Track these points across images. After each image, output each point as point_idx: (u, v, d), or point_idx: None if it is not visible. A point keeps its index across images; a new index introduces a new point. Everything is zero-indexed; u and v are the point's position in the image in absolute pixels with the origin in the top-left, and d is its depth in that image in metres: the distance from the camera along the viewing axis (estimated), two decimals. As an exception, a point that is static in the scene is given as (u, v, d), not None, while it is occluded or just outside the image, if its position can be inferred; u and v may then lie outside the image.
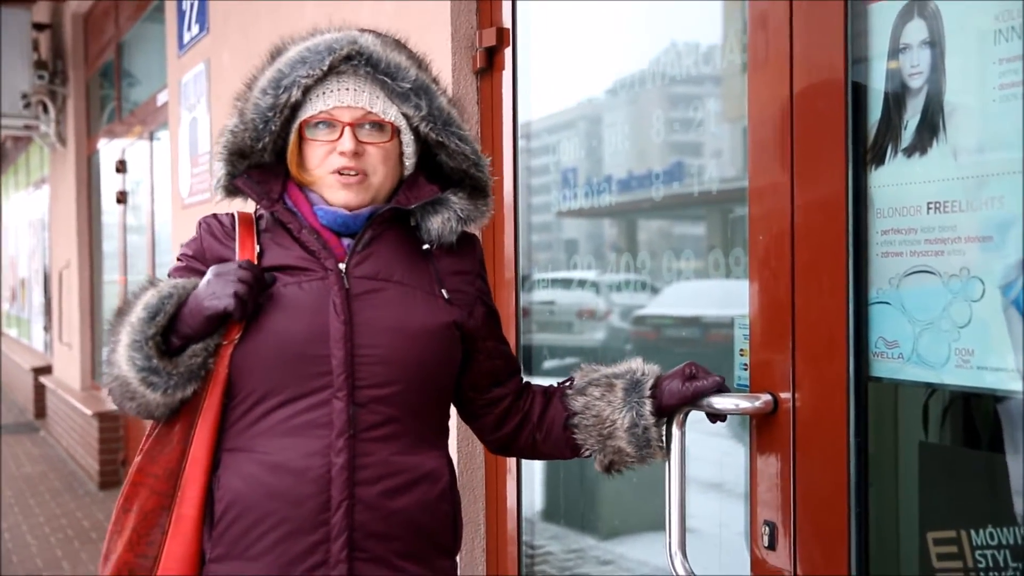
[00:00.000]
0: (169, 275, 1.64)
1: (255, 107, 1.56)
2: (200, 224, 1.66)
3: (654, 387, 1.61)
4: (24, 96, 7.97)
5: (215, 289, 1.48)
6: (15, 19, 7.90)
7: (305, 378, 1.51)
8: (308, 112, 1.56)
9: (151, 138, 6.38)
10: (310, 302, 1.53)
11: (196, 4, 4.72)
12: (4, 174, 14.52)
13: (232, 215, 1.65)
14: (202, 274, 1.57)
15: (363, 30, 1.63)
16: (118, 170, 7.21)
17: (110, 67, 7.47)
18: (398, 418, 1.54)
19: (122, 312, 1.53)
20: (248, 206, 1.68)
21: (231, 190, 1.61)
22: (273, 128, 1.56)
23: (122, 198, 7.18)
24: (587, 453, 1.65)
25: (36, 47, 8.28)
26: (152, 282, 1.56)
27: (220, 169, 1.60)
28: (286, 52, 1.59)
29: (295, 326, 1.51)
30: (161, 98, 5.78)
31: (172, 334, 1.51)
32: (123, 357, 1.48)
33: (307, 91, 1.55)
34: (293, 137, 1.59)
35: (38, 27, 8.44)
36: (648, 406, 1.59)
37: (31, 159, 11.67)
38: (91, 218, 8.13)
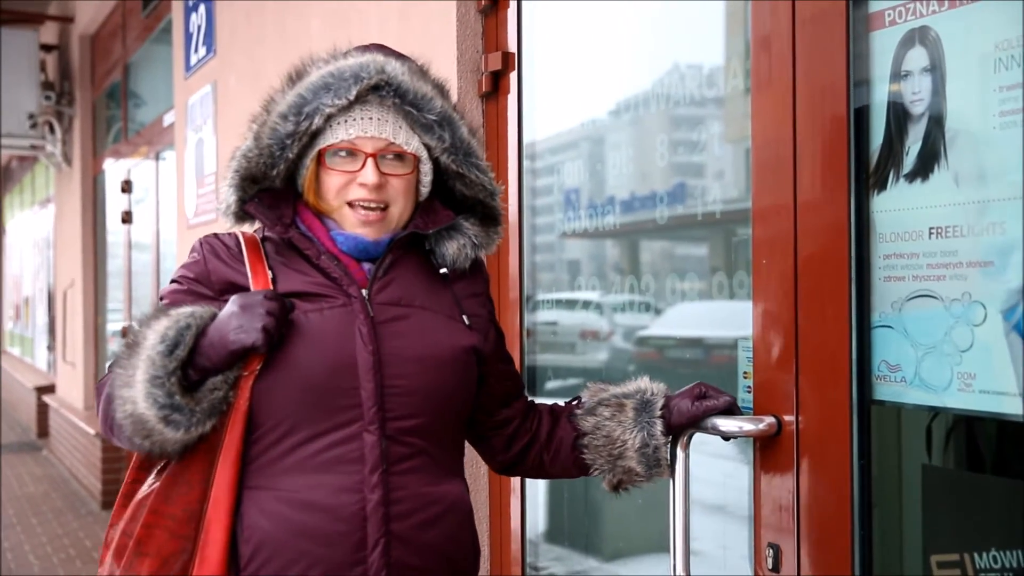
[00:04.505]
0: (162, 297, 1.55)
1: (272, 132, 1.50)
2: (202, 245, 1.57)
3: (664, 407, 1.61)
4: (31, 116, 8.02)
5: (242, 322, 1.40)
6: (23, 40, 7.97)
7: (333, 411, 1.45)
8: (329, 140, 1.51)
9: (157, 158, 6.41)
10: (334, 331, 1.46)
11: (203, 26, 4.76)
12: (10, 193, 14.58)
13: (236, 236, 1.58)
14: (206, 298, 1.51)
15: (382, 50, 1.57)
16: (123, 190, 7.24)
17: (117, 88, 7.52)
18: (426, 449, 1.51)
19: (133, 343, 1.42)
20: (248, 229, 1.62)
21: (241, 215, 1.56)
22: (290, 155, 1.50)
23: (127, 218, 7.21)
24: (596, 472, 1.65)
25: (43, 68, 8.35)
26: (162, 309, 1.46)
27: (231, 195, 1.53)
28: (307, 76, 1.52)
29: (321, 357, 1.45)
30: (167, 119, 5.82)
31: (189, 367, 1.41)
32: (141, 394, 1.37)
33: (328, 117, 1.50)
34: (311, 164, 1.53)
35: (46, 48, 8.54)
36: (659, 426, 1.59)
37: (37, 178, 11.72)
38: (96, 237, 8.16)
